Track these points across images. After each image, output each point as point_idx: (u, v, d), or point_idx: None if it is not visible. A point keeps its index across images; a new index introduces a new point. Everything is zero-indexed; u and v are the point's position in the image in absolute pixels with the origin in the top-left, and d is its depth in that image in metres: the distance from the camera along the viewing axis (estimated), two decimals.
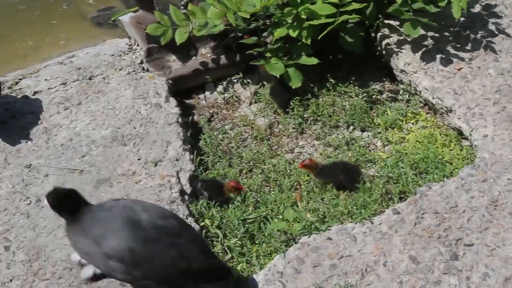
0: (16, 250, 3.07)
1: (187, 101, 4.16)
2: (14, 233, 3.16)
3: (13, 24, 5.18)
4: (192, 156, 3.58)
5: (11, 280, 2.95)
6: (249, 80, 4.21)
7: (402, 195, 3.32)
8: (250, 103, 4.07)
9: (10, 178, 3.46)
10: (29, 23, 5.17)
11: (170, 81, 4.06)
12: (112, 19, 4.87)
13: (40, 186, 3.40)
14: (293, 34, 3.82)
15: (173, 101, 3.89)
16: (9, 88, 4.12)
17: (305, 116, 3.90)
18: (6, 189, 3.41)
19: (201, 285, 2.74)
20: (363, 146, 3.71)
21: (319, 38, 3.73)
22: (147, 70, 4.20)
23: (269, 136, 3.85)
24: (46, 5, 5.34)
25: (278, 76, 3.84)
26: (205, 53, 4.30)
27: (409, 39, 3.99)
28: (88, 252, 2.57)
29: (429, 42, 4.00)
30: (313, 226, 3.12)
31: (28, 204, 3.31)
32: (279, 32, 3.84)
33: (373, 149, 3.71)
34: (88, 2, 5.34)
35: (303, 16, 3.80)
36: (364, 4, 3.84)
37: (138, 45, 4.43)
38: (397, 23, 4.11)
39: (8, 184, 3.43)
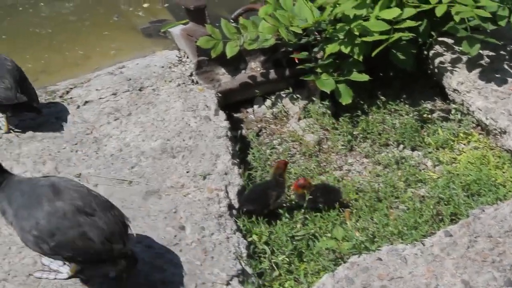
0: None
1: (235, 115, 4.16)
2: None
3: (64, 34, 5.27)
4: (240, 170, 3.57)
5: None
6: (298, 95, 4.19)
7: (454, 217, 3.29)
8: (299, 119, 4.05)
9: None
10: (80, 33, 5.25)
11: (220, 94, 4.06)
12: (162, 30, 4.91)
13: None
14: (345, 50, 3.81)
15: (222, 115, 3.90)
16: (60, 97, 4.17)
17: (354, 133, 3.88)
18: None
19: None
20: (413, 166, 3.67)
21: (373, 55, 3.69)
22: (197, 83, 4.21)
23: (318, 153, 3.83)
24: (96, 16, 5.42)
25: (329, 92, 3.82)
26: (254, 67, 4.30)
27: (463, 58, 3.95)
28: (11, 222, 2.68)
29: (484, 61, 3.96)
30: (363, 245, 3.09)
31: None
32: (331, 48, 3.84)
33: (423, 169, 3.68)
34: (137, 14, 5.39)
35: (356, 33, 3.79)
36: (419, 22, 3.79)
37: (187, 57, 4.45)
38: (451, 41, 4.06)
39: None
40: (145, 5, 5.52)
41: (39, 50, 5.07)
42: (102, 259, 2.72)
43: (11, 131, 3.90)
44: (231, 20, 4.67)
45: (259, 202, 3.39)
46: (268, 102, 4.22)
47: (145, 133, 3.79)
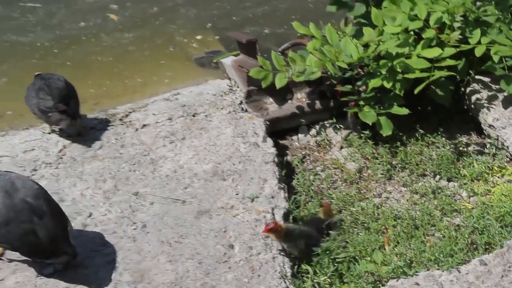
0: (123, 271, 3.13)
1: (281, 142, 4.19)
2: (121, 255, 3.21)
3: (124, 62, 5.36)
4: (286, 194, 3.59)
5: None
6: (341, 126, 4.20)
7: (488, 247, 3.27)
8: (341, 147, 4.07)
9: (119, 204, 3.55)
10: (138, 62, 5.34)
11: (268, 122, 4.10)
12: (214, 61, 4.97)
13: (146, 213, 3.47)
14: (387, 85, 3.82)
15: (270, 142, 3.94)
16: (120, 120, 4.24)
17: (393, 163, 3.88)
18: (115, 214, 3.48)
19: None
20: (449, 196, 3.66)
21: (415, 92, 3.69)
22: (246, 111, 4.26)
23: (358, 180, 3.83)
24: (154, 47, 5.53)
25: (370, 124, 3.84)
26: (300, 97, 4.34)
27: (499, 95, 3.94)
28: None
29: None
30: (401, 270, 3.09)
31: (135, 229, 3.38)
32: (374, 83, 3.85)
33: (458, 199, 3.66)
34: (192, 46, 5.47)
35: (398, 69, 3.80)
36: (458, 62, 3.79)
37: (238, 87, 4.51)
38: (488, 79, 4.06)
39: (117, 209, 3.51)
40: (198, 37, 5.59)
41: (100, 76, 5.17)
42: (44, 255, 3.02)
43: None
44: (279, 53, 4.71)
45: None
46: (312, 131, 4.24)
47: (198, 156, 3.84)
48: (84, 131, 4.03)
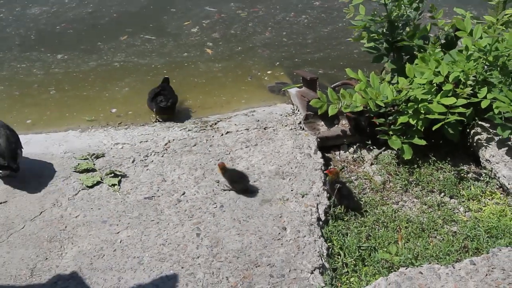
0: (203, 237, 3.23)
1: (327, 155, 4.22)
2: (203, 225, 3.31)
3: (214, 84, 5.46)
4: (328, 194, 3.62)
5: (198, 257, 3.09)
6: (373, 147, 4.21)
7: (476, 251, 3.24)
8: (371, 164, 4.08)
9: (205, 187, 3.65)
10: (224, 85, 5.43)
11: (319, 139, 4.14)
12: (283, 90, 5.04)
13: (224, 196, 3.56)
14: (412, 122, 3.83)
15: (319, 154, 3.98)
16: (211, 126, 4.35)
17: (410, 180, 3.88)
18: (202, 194, 3.59)
19: None
20: (450, 209, 3.64)
21: (433, 129, 3.70)
22: (303, 129, 4.31)
23: (382, 190, 3.84)
24: (236, 76, 5.61)
25: (396, 149, 3.86)
26: (345, 123, 4.37)
27: (495, 138, 3.90)
28: None
29: (511, 142, 3.87)
30: (409, 261, 3.10)
31: (215, 207, 3.47)
32: (402, 119, 3.87)
33: (457, 213, 3.63)
34: (264, 78, 5.56)
35: (422, 111, 3.80)
36: (467, 110, 3.79)
37: (298, 111, 4.57)
38: (488, 125, 4.02)
39: (203, 191, 3.61)
40: (269, 72, 5.67)
41: (197, 93, 5.28)
42: None
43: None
44: (331, 88, 4.74)
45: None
46: (350, 149, 4.26)
47: (265, 159, 3.91)
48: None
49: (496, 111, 3.67)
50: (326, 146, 4.27)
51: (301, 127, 4.32)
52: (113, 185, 3.63)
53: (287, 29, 6.76)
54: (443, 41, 4.29)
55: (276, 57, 6.03)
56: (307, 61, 5.99)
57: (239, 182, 3.55)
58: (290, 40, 6.51)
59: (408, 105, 3.88)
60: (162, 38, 6.51)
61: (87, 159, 3.90)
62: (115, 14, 7.17)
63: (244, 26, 6.84)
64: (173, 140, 4.16)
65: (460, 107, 3.75)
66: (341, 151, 4.28)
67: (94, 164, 3.84)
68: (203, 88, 5.41)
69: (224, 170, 3.55)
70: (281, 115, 4.50)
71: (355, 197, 3.59)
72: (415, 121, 3.83)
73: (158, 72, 5.66)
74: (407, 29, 4.35)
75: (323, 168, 3.83)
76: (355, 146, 4.29)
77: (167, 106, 4.58)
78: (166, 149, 4.04)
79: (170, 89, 4.76)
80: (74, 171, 3.78)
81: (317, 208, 3.45)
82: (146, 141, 4.16)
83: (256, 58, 5.91)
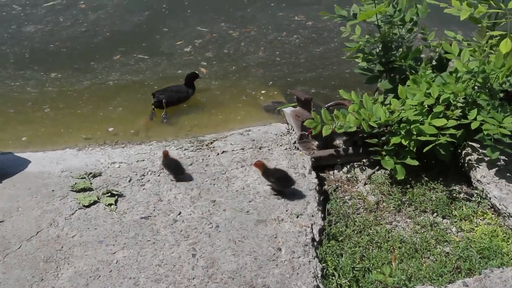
0: (199, 258, 3.20)
1: (321, 174, 4.20)
2: (199, 246, 3.28)
3: (211, 103, 5.49)
4: (322, 215, 3.61)
5: (193, 278, 3.06)
6: (366, 168, 4.21)
7: (469, 272, 3.24)
8: (365, 184, 4.08)
9: (201, 207, 3.62)
10: (221, 104, 5.45)
11: (313, 159, 4.13)
12: (278, 109, 5.03)
13: (219, 216, 3.53)
14: (404, 142, 3.84)
15: (313, 174, 3.97)
16: (206, 145, 4.33)
17: (403, 200, 3.87)
18: (197, 214, 3.56)
19: None
20: (442, 229, 3.63)
21: (424, 151, 3.71)
22: (298, 149, 4.30)
23: (376, 210, 3.83)
24: (231, 95, 5.63)
25: (389, 169, 3.86)
26: (338, 143, 4.37)
27: (485, 159, 3.91)
28: None
29: (501, 163, 3.90)
30: (403, 282, 3.09)
31: (210, 227, 3.44)
32: (395, 140, 3.88)
33: (449, 233, 3.63)
34: (259, 98, 5.57)
35: (414, 132, 3.81)
36: (458, 132, 3.80)
37: (293, 130, 4.56)
38: (478, 145, 4.03)
39: (199, 211, 3.59)
40: (263, 91, 5.68)
41: (193, 111, 5.29)
42: None
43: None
44: (325, 108, 4.75)
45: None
46: (344, 169, 4.25)
47: (261, 179, 3.89)
48: None
49: (485, 132, 3.67)
50: (320, 165, 4.24)
51: (295, 147, 4.31)
52: (110, 204, 3.60)
53: (279, 48, 6.79)
54: (435, 63, 4.31)
55: (269, 76, 6.05)
56: (300, 80, 6.00)
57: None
58: (283, 59, 6.53)
59: (401, 126, 3.89)
60: (156, 57, 6.52)
61: (84, 178, 3.88)
62: (108, 33, 7.18)
63: (237, 45, 6.86)
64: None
65: (451, 129, 3.75)
66: (335, 170, 4.26)
67: (91, 183, 3.82)
68: (199, 106, 5.42)
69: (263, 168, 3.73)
70: (276, 134, 4.48)
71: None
72: (407, 142, 3.84)
73: (150, 89, 5.66)
74: (401, 50, 4.37)
75: (317, 188, 3.81)
76: (348, 166, 4.27)
77: (154, 101, 5.18)
78: (163, 168, 4.01)
79: (179, 89, 5.33)
80: (71, 190, 3.76)
81: (312, 229, 3.44)
82: (143, 160, 4.14)
83: (250, 78, 5.93)
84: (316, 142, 4.38)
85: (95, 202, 3.65)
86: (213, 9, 7.95)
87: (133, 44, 6.87)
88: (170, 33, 7.22)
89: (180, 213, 3.56)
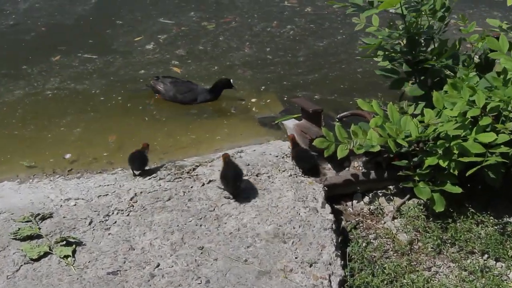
0: None
1: (336, 206, 4.06)
2: None
3: (190, 116, 5.36)
4: (342, 262, 3.45)
5: None
6: (393, 197, 4.07)
7: None
8: (393, 218, 3.93)
9: (185, 257, 3.45)
10: (202, 115, 5.36)
11: (326, 188, 3.98)
12: (276, 122, 4.88)
13: (210, 268, 3.36)
14: (443, 164, 3.69)
15: (328, 208, 3.82)
16: (188, 173, 4.18)
17: (443, 238, 3.73)
18: (181, 266, 3.39)
19: None
20: (496, 276, 3.49)
21: (467, 175, 3.56)
22: (305, 174, 4.13)
23: (409, 252, 3.69)
24: (215, 104, 5.55)
25: (425, 200, 3.71)
26: (357, 166, 4.24)
27: None
28: None
29: None
30: None
31: (199, 283, 3.27)
32: (430, 161, 3.73)
33: (505, 280, 3.49)
34: (251, 108, 5.42)
35: (455, 151, 3.66)
36: (511, 150, 3.65)
37: None
38: None
39: (183, 261, 3.41)
40: (253, 100, 5.53)
41: (166, 127, 5.13)
42: None
43: None
44: (337, 119, 4.64)
45: None
46: (366, 199, 4.12)
47: (260, 216, 3.73)
48: None
49: None
50: (333, 194, 4.10)
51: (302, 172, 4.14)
52: (66, 256, 3.42)
53: (270, 43, 6.69)
54: (477, 61, 4.17)
55: (261, 79, 5.93)
56: (300, 84, 5.88)
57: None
58: (276, 57, 6.44)
59: (438, 143, 3.74)
60: (106, 56, 6.37)
61: (30, 221, 3.69)
62: (43, 27, 7.03)
63: (214, 40, 6.77)
64: (141, 193, 3.96)
65: (501, 146, 3.61)
66: (354, 201, 4.13)
67: (39, 229, 3.63)
68: (173, 120, 5.24)
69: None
70: (277, 156, 4.33)
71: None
72: (447, 164, 3.69)
73: (107, 100, 5.53)
74: (431, 45, 4.23)
75: (333, 227, 3.64)
76: (371, 195, 4.14)
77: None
78: (133, 205, 3.84)
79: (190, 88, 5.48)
80: (13, 239, 3.57)
81: (330, 281, 3.28)
82: (106, 194, 3.97)
83: (238, 80, 5.76)
84: (329, 165, 4.22)
85: (46, 254, 3.46)
86: None
87: (77, 41, 6.68)
88: (125, 27, 7.08)
89: (158, 265, 3.39)
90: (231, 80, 5.43)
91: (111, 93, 5.64)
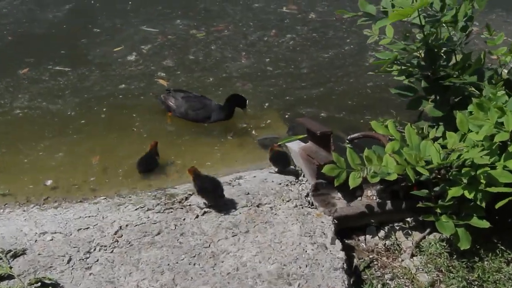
0: None
1: (347, 241, 3.93)
2: None
3: (181, 131, 5.29)
4: None
5: None
6: (412, 231, 3.96)
7: None
8: (412, 255, 3.80)
9: None
10: (197, 136, 5.24)
11: (336, 221, 3.85)
12: (279, 143, 4.76)
13: None
14: (469, 195, 3.56)
15: (338, 244, 3.69)
16: (179, 202, 4.08)
17: (469, 279, 3.61)
18: None
19: None
20: None
21: (496, 207, 3.44)
22: (312, 204, 4.04)
23: None
24: (210, 129, 5.41)
25: (448, 236, 3.59)
26: (370, 195, 4.11)
27: None
28: None
29: None
30: None
31: None
32: (454, 192, 3.61)
33: None
34: (252, 134, 5.30)
35: (482, 180, 3.54)
36: None
37: (303, 176, 4.30)
38: None
39: None
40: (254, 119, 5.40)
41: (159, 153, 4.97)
42: None
43: None
44: (347, 141, 4.54)
45: None
46: (381, 233, 3.99)
47: (262, 254, 3.60)
48: None
49: None
50: (344, 228, 3.97)
51: (309, 202, 4.04)
52: None
53: (268, 53, 6.60)
54: (505, 77, 4.06)
55: (263, 93, 5.82)
56: (303, 99, 5.79)
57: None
58: (277, 69, 6.36)
59: (462, 171, 3.61)
60: (81, 68, 6.25)
61: (0, 259, 3.57)
62: (10, 36, 6.91)
63: (206, 49, 6.68)
64: (127, 225, 3.83)
65: None
66: (367, 235, 4.00)
67: (10, 268, 3.50)
68: (162, 139, 5.07)
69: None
70: (280, 184, 4.22)
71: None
72: (473, 195, 3.56)
73: (89, 121, 5.38)
74: (453, 59, 4.12)
75: (344, 266, 3.52)
76: (386, 228, 4.02)
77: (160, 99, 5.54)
78: (117, 241, 3.72)
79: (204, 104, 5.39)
80: None
81: None
82: (87, 228, 3.85)
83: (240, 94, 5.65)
84: (338, 194, 4.10)
85: None
86: (163, 0, 7.72)
87: (47, 52, 6.54)
88: (103, 36, 6.95)
89: None
90: (247, 101, 5.28)
91: (88, 113, 5.51)
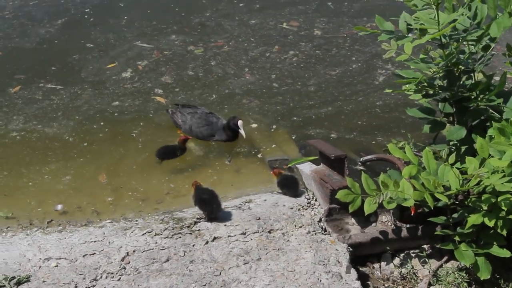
0: None
1: (361, 269, 3.82)
2: None
3: (188, 153, 5.18)
4: None
5: None
6: (428, 258, 3.84)
7: None
8: (429, 284, 3.70)
9: None
10: (202, 158, 5.20)
11: (350, 248, 3.74)
12: (289, 165, 4.66)
13: None
14: (489, 223, 3.46)
15: (354, 273, 3.59)
16: (188, 227, 3.96)
17: None
18: None
19: None
20: None
21: None
22: (325, 230, 3.93)
23: None
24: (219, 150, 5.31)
25: (468, 266, 3.48)
26: (385, 221, 4.01)
27: None
28: None
29: None
30: None
31: None
32: (474, 219, 3.50)
33: None
34: (260, 155, 5.21)
35: (503, 207, 3.43)
36: None
37: (316, 200, 4.19)
38: None
39: None
40: (261, 138, 5.31)
41: (161, 169, 4.93)
42: None
43: None
44: (359, 163, 4.44)
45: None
46: (396, 260, 3.88)
47: (275, 283, 3.50)
48: None
49: None
50: (358, 255, 3.87)
51: (322, 227, 3.93)
52: None
53: (273, 70, 6.49)
54: None
55: (271, 111, 5.72)
56: (311, 119, 5.69)
57: None
58: (284, 85, 6.24)
59: (482, 198, 3.51)
60: (73, 86, 6.13)
61: (4, 286, 3.48)
62: (0, 51, 6.79)
63: (206, 65, 6.55)
64: (134, 251, 3.72)
65: None
66: (382, 262, 3.90)
67: None
68: (178, 169, 5.01)
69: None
70: (292, 208, 4.12)
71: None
72: (493, 222, 3.45)
73: (93, 146, 5.27)
74: (472, 79, 4.01)
75: None
76: (402, 255, 3.90)
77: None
78: (124, 267, 3.62)
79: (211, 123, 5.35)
80: None
81: None
82: (93, 253, 3.74)
83: (246, 112, 5.64)
84: (352, 219, 3.99)
85: None
86: (156, 15, 7.62)
87: (38, 69, 6.41)
88: (95, 51, 6.82)
89: None
90: (239, 122, 5.14)
91: (83, 135, 5.41)
